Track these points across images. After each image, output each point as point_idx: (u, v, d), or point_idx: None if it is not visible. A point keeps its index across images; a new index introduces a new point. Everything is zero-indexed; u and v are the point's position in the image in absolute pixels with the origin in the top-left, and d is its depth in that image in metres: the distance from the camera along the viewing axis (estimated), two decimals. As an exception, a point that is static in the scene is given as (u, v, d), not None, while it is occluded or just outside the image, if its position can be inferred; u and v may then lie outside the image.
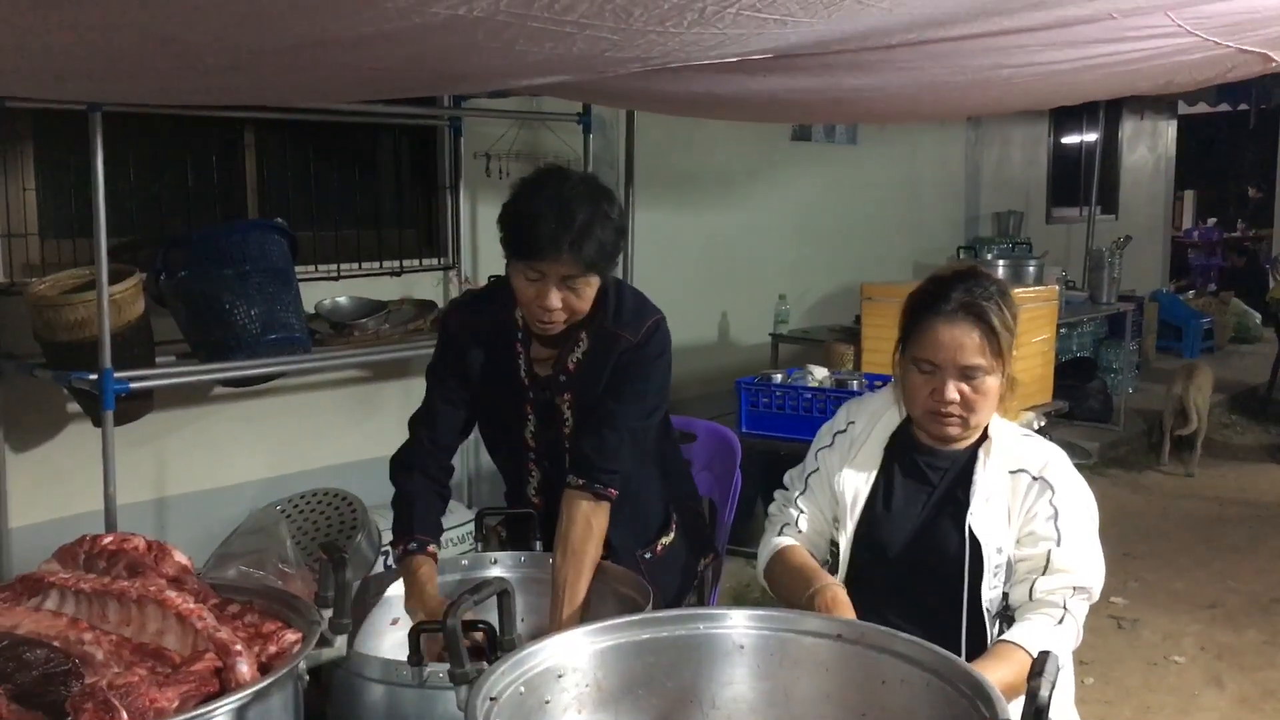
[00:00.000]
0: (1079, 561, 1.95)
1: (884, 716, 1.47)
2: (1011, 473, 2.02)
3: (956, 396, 2.00)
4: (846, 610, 1.91)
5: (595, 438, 2.17)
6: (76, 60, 2.07)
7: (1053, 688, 1.20)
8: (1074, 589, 1.94)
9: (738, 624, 1.57)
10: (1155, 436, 7.21)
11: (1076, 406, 7.20)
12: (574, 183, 2.11)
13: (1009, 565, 1.99)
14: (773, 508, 2.28)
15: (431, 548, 2.15)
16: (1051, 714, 1.19)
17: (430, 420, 2.29)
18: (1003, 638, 1.92)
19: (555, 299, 2.09)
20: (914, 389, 2.05)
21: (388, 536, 4.25)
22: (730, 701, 1.56)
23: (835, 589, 1.97)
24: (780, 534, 2.21)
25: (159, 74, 2.16)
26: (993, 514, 1.99)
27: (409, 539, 2.16)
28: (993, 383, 2.01)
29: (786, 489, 2.26)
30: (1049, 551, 1.95)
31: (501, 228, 2.14)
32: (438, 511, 2.25)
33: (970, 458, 2.06)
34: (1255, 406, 8.51)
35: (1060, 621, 1.92)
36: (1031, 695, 1.19)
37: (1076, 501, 2.00)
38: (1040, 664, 1.22)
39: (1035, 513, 1.98)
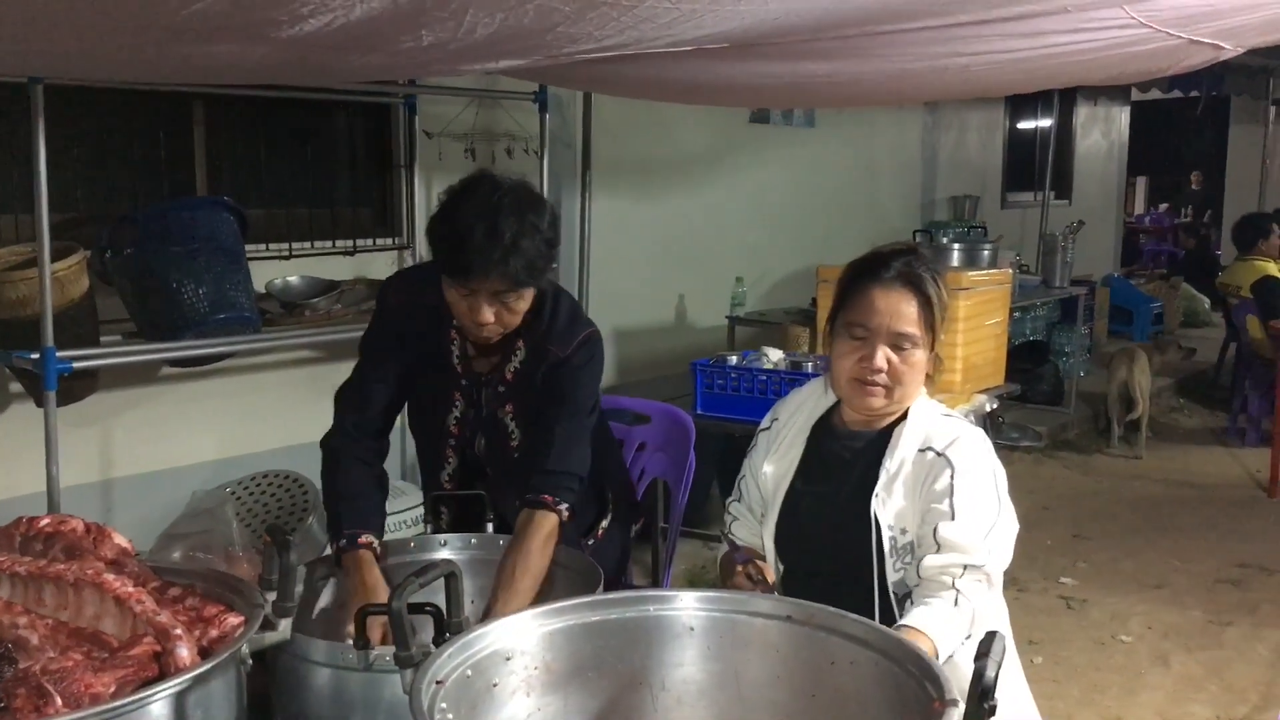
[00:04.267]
0: (971, 539, 1.89)
1: (833, 697, 1.47)
2: (920, 451, 2.00)
3: (884, 365, 1.99)
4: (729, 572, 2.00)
5: (544, 455, 2.15)
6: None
7: (999, 668, 1.20)
8: (964, 567, 1.87)
9: (687, 606, 1.56)
10: (1103, 421, 7.30)
11: (1029, 390, 7.27)
12: (501, 193, 2.06)
13: (914, 545, 1.97)
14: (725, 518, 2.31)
15: (365, 538, 2.07)
16: (998, 694, 1.20)
17: (359, 401, 2.25)
18: (901, 622, 1.83)
19: (488, 314, 2.07)
20: (842, 356, 2.04)
21: (338, 519, 4.18)
22: (680, 683, 1.55)
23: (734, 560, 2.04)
24: (724, 544, 2.25)
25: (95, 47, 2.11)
26: (895, 494, 1.98)
27: (340, 535, 2.09)
28: (920, 357, 2.01)
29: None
30: (937, 526, 1.90)
31: (430, 243, 2.11)
32: (373, 499, 2.18)
33: (886, 439, 2.04)
34: (1203, 390, 8.64)
35: (955, 603, 1.85)
36: (978, 675, 1.19)
37: (976, 479, 1.94)
38: (986, 644, 1.22)
39: (934, 490, 1.94)
